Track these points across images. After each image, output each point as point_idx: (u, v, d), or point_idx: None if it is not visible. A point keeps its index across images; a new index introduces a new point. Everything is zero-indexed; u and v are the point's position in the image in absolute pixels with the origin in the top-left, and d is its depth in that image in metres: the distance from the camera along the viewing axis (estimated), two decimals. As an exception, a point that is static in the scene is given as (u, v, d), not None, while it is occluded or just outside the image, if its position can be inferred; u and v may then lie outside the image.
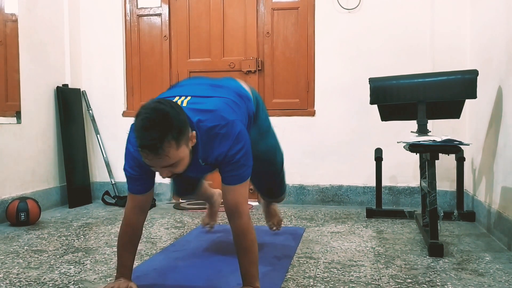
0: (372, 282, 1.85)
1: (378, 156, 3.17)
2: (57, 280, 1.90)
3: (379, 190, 3.18)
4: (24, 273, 1.99)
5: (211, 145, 1.60)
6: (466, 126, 3.27)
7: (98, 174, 3.98)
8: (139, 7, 3.92)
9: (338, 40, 3.58)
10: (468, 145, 2.45)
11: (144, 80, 3.94)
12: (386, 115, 2.85)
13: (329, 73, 3.60)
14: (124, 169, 1.70)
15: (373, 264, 2.10)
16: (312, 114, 3.65)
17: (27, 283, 1.87)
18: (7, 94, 3.21)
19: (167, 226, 2.90)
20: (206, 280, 1.86)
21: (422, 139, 2.40)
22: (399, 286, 1.81)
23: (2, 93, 3.17)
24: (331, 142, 3.61)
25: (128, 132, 1.70)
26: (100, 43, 3.94)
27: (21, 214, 2.92)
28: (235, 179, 1.63)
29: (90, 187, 3.86)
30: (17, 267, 2.08)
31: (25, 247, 2.42)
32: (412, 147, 2.39)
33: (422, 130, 2.61)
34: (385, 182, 3.38)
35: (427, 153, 2.34)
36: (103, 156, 3.89)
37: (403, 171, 3.51)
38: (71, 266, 2.08)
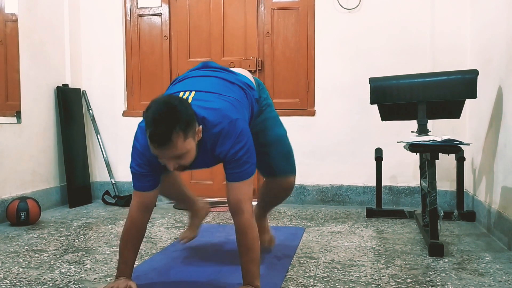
0: (372, 282, 1.85)
1: (378, 156, 3.17)
2: (57, 280, 1.90)
3: (379, 190, 3.18)
4: (24, 273, 1.99)
5: (215, 142, 1.65)
6: (466, 126, 3.27)
7: (98, 174, 3.98)
8: (139, 6, 3.92)
9: (338, 40, 3.58)
10: (468, 145, 2.45)
11: (144, 79, 3.94)
12: (386, 115, 2.85)
13: (329, 73, 3.60)
14: (131, 167, 1.74)
15: (373, 264, 2.10)
16: (312, 114, 3.65)
17: (27, 282, 1.87)
18: (7, 93, 3.21)
19: (167, 226, 2.90)
20: (206, 280, 1.86)
21: (422, 139, 2.40)
22: (399, 286, 1.81)
23: (2, 93, 3.17)
24: (331, 142, 3.61)
25: (136, 130, 1.78)
26: (100, 43, 3.94)
27: (21, 213, 2.92)
28: (238, 176, 1.65)
29: (90, 187, 3.86)
30: (17, 267, 2.08)
31: (25, 247, 2.42)
32: (412, 147, 2.39)
33: (422, 130, 2.61)
34: (385, 182, 3.38)
35: (427, 153, 2.34)
36: (103, 156, 3.89)
37: (403, 171, 3.51)
38: (71, 266, 2.08)
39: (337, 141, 3.60)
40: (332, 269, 2.01)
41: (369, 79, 2.77)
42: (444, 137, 2.35)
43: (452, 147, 2.30)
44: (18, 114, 3.27)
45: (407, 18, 3.46)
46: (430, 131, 2.65)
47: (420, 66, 3.31)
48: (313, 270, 2.00)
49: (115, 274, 1.75)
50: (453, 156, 3.07)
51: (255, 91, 1.98)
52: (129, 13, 3.94)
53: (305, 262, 2.12)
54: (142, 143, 1.71)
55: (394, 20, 3.48)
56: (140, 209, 1.73)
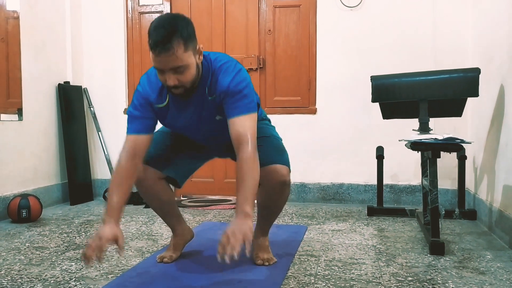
0: (373, 280, 1.85)
1: (380, 154, 3.16)
2: (58, 277, 1.90)
3: (380, 188, 3.18)
4: (26, 270, 1.99)
5: (215, 80, 1.72)
6: (468, 124, 3.26)
7: (100, 171, 3.99)
8: (140, 4, 3.92)
9: (340, 38, 3.57)
10: (470, 143, 2.45)
11: (146, 77, 3.93)
12: (387, 113, 2.85)
13: (331, 71, 3.59)
14: (128, 111, 1.80)
15: (374, 262, 2.10)
16: (314, 112, 3.64)
17: (28, 279, 1.87)
18: (8, 91, 3.21)
19: (168, 224, 2.90)
20: (207, 278, 1.86)
21: (424, 137, 2.39)
22: (400, 284, 1.81)
23: (4, 90, 3.17)
24: (333, 140, 3.61)
25: (141, 76, 1.84)
26: (101, 41, 3.94)
27: (22, 211, 2.92)
28: (240, 109, 1.69)
29: (91, 184, 3.87)
30: (18, 264, 2.08)
31: (27, 244, 2.42)
32: (414, 145, 2.39)
33: (424, 128, 2.61)
34: (386, 180, 3.38)
35: (429, 151, 2.34)
36: (105, 153, 3.90)
37: (405, 169, 3.51)
38: (73, 263, 2.08)
39: (338, 139, 3.60)
40: (333, 267, 2.01)
41: (370, 77, 2.77)
42: (446, 136, 2.34)
43: (454, 145, 2.30)
44: (19, 112, 3.27)
45: (409, 16, 3.45)
46: (432, 130, 2.64)
47: (422, 64, 3.30)
48: (314, 268, 2.00)
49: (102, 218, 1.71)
50: (454, 154, 3.07)
51: (257, 96, 1.98)
52: (130, 11, 3.94)
53: (306, 260, 2.12)
54: (145, 87, 1.78)
55: (396, 19, 3.47)
56: (129, 157, 1.74)
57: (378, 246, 2.37)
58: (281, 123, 3.68)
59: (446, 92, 2.57)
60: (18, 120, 3.26)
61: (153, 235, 2.60)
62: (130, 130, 1.78)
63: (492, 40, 2.76)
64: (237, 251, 1.45)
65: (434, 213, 2.28)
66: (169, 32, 1.55)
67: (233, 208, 1.60)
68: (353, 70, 3.55)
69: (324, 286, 1.78)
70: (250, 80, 1.78)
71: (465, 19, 3.28)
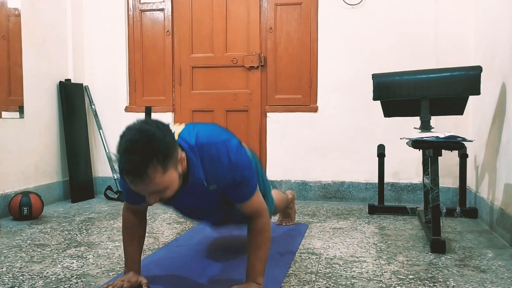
0: (374, 278, 1.85)
1: (381, 152, 3.16)
2: (59, 274, 1.90)
3: (381, 186, 3.17)
4: (27, 267, 2.00)
5: (214, 170, 1.53)
6: (469, 122, 3.26)
7: (101, 169, 3.99)
8: (142, 2, 3.92)
9: (341, 36, 3.57)
10: (471, 141, 2.45)
11: (147, 75, 3.94)
12: (389, 111, 2.84)
13: (332, 69, 3.59)
14: (120, 181, 1.70)
15: (375, 260, 2.10)
16: (315, 110, 3.64)
17: (29, 277, 1.88)
18: (10, 88, 3.21)
19: (169, 221, 2.90)
20: (209, 276, 1.87)
21: (425, 135, 2.39)
22: (401, 282, 1.81)
23: (5, 88, 3.17)
24: (334, 138, 3.61)
25: None
26: (102, 38, 3.93)
27: (24, 208, 2.93)
28: (247, 194, 1.60)
29: (92, 182, 3.87)
30: (20, 261, 2.08)
31: (28, 241, 2.42)
32: (415, 144, 2.38)
33: (425, 126, 2.61)
34: (387, 179, 3.38)
35: (430, 150, 2.33)
36: (106, 151, 3.90)
37: (406, 167, 3.50)
38: (74, 260, 2.09)
39: (339, 137, 3.60)
40: (334, 265, 2.01)
41: (372, 75, 2.76)
42: (447, 134, 2.34)
43: (455, 143, 2.29)
44: (20, 109, 3.27)
45: (410, 15, 3.44)
46: (433, 128, 2.64)
47: (424, 62, 3.29)
48: (315, 266, 2.00)
49: (123, 270, 1.75)
50: (455, 152, 3.06)
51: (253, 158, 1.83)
52: (131, 8, 3.93)
53: (307, 258, 2.12)
54: None
55: (397, 17, 3.47)
56: (132, 215, 1.74)
57: (379, 244, 2.37)
58: (282, 121, 3.70)
59: (447, 90, 2.57)
60: (19, 117, 3.26)
61: (154, 233, 2.60)
62: (126, 200, 1.72)
63: (494, 38, 2.75)
64: None
65: (435, 211, 2.28)
66: (144, 158, 1.30)
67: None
68: (354, 68, 3.54)
69: (325, 284, 1.78)
70: (242, 151, 1.58)
71: (467, 17, 3.27)
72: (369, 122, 3.52)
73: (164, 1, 3.87)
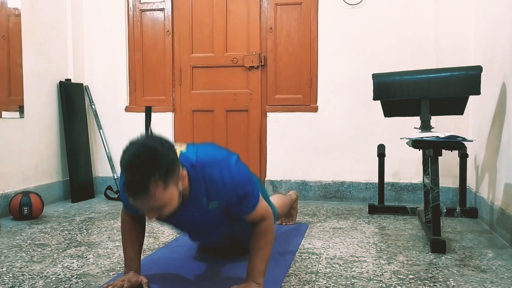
0: (374, 278, 1.85)
1: (381, 152, 3.16)
2: (59, 274, 1.90)
3: (381, 186, 3.17)
4: (27, 267, 2.00)
5: (207, 190, 1.54)
6: (470, 122, 3.25)
7: (101, 169, 3.99)
8: (142, 1, 3.92)
9: (341, 35, 3.57)
10: (472, 141, 2.45)
11: (147, 75, 3.94)
12: (389, 111, 2.84)
13: (332, 69, 3.59)
14: (121, 192, 1.71)
15: (375, 260, 2.10)
16: (315, 110, 3.64)
17: (30, 276, 1.88)
18: (10, 88, 3.21)
19: (169, 221, 2.90)
20: (209, 275, 1.87)
21: (425, 135, 2.39)
22: (401, 282, 1.81)
23: (5, 88, 3.17)
24: (334, 138, 3.61)
25: None
26: (102, 38, 3.93)
27: (24, 208, 2.93)
28: (251, 206, 1.61)
29: (92, 182, 3.87)
30: (20, 261, 2.08)
31: (28, 241, 2.42)
32: (415, 143, 2.38)
33: (425, 126, 2.61)
34: (387, 178, 3.38)
35: (430, 149, 2.33)
36: (106, 151, 3.90)
37: (406, 167, 3.50)
38: (74, 260, 2.09)
39: (339, 137, 3.60)
40: (334, 265, 2.01)
41: (372, 75, 2.76)
42: (447, 134, 2.34)
43: (455, 143, 2.30)
44: (21, 109, 3.27)
45: (410, 15, 3.45)
46: (433, 128, 2.64)
47: (424, 61, 3.29)
48: (315, 265, 2.00)
49: (123, 270, 1.75)
50: (456, 152, 3.06)
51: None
52: (131, 8, 3.93)
53: (307, 257, 2.12)
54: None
55: (397, 16, 3.47)
56: (130, 217, 1.74)
57: (379, 244, 2.37)
58: (282, 121, 3.70)
59: (447, 90, 2.57)
60: (20, 117, 3.26)
61: (154, 233, 2.60)
62: (126, 208, 1.72)
63: (494, 38, 2.75)
64: None
65: (435, 211, 2.28)
66: (146, 172, 1.32)
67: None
68: (354, 68, 3.54)
69: (325, 283, 1.78)
70: (241, 167, 1.59)
71: (467, 17, 3.26)
72: (369, 122, 3.52)
73: (164, 1, 3.87)
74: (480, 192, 2.95)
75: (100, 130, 3.91)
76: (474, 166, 3.14)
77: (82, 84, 3.88)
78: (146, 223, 1.83)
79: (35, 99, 3.39)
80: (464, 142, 2.31)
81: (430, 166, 2.37)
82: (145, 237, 1.82)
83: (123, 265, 1.76)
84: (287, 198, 2.60)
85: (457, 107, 2.70)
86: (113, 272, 1.92)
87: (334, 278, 1.85)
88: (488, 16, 2.91)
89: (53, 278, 1.85)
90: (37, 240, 2.45)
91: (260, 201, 1.64)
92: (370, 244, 2.36)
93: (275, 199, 2.45)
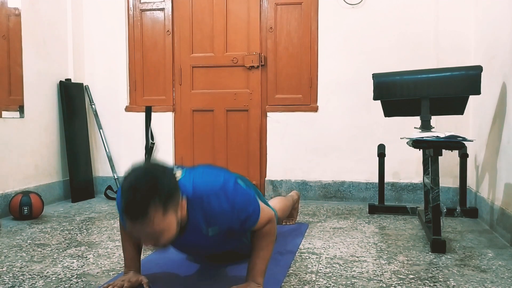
0: (374, 278, 1.84)
1: (381, 152, 3.16)
2: (60, 274, 1.90)
3: (381, 186, 3.17)
4: (27, 267, 2.00)
5: (207, 218, 1.53)
6: (470, 122, 3.25)
7: (101, 169, 3.99)
8: (142, 1, 3.92)
9: (341, 35, 3.57)
10: (472, 141, 2.44)
11: (147, 74, 3.94)
12: (389, 111, 2.84)
13: (333, 69, 3.59)
14: (120, 218, 1.72)
15: (375, 259, 2.09)
16: (315, 109, 3.64)
17: (30, 276, 1.88)
18: (10, 88, 3.21)
19: (169, 221, 2.90)
20: (209, 275, 1.87)
21: (426, 135, 2.39)
22: (401, 281, 1.81)
23: (5, 88, 3.17)
24: (334, 138, 3.61)
25: (119, 187, 1.63)
26: (103, 38, 3.93)
27: (24, 208, 2.93)
28: (254, 221, 1.60)
29: (92, 182, 3.87)
30: (20, 261, 2.08)
31: (28, 241, 2.42)
32: (416, 143, 2.38)
33: (426, 126, 2.61)
34: (387, 178, 3.37)
35: (431, 149, 2.33)
36: (106, 150, 3.90)
37: (406, 167, 3.50)
38: (74, 260, 2.09)
39: (339, 137, 3.60)
40: (334, 265, 2.01)
41: (372, 74, 2.76)
42: (447, 134, 2.34)
43: (456, 143, 2.29)
44: (21, 109, 3.27)
45: (410, 15, 3.44)
46: (433, 127, 2.64)
47: (424, 61, 3.29)
48: (315, 265, 2.00)
49: (123, 269, 1.75)
50: (456, 152, 3.06)
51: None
52: (132, 8, 3.93)
53: (307, 257, 2.12)
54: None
55: (397, 16, 3.47)
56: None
57: (379, 244, 2.37)
58: (282, 121, 3.70)
59: (448, 90, 2.56)
60: (20, 117, 3.26)
61: (154, 233, 2.60)
62: (122, 224, 1.71)
63: (495, 37, 2.75)
64: None
65: (436, 211, 2.28)
66: (146, 196, 1.31)
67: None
68: (354, 67, 3.54)
69: (325, 283, 1.78)
70: (239, 189, 1.57)
71: (467, 16, 3.26)
72: (369, 122, 3.52)
73: (164, 1, 3.86)
74: (480, 192, 2.95)
75: (100, 130, 3.91)
76: (474, 166, 3.14)
77: (82, 84, 3.88)
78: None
79: (35, 99, 3.39)
80: (464, 142, 2.31)
81: (430, 166, 2.37)
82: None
83: (123, 265, 1.77)
84: (288, 200, 2.60)
85: (457, 107, 2.70)
86: (113, 272, 1.92)
87: (334, 278, 1.84)
88: (488, 16, 2.91)
89: (53, 278, 1.85)
90: (37, 240, 2.45)
91: (262, 210, 1.63)
92: (370, 244, 2.36)
93: (276, 202, 2.46)
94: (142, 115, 3.85)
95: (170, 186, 1.39)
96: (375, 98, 2.76)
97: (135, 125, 3.87)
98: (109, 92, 3.94)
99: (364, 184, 3.58)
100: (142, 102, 3.93)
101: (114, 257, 2.14)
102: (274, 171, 3.72)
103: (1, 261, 2.09)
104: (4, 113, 3.14)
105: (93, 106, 3.92)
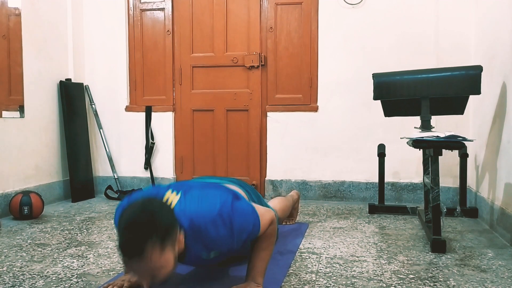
0: (375, 278, 1.85)
1: (381, 152, 3.16)
2: (60, 274, 1.90)
3: (381, 186, 3.17)
4: (28, 267, 2.00)
5: (205, 244, 1.52)
6: (470, 122, 3.25)
7: (101, 169, 3.99)
8: (142, 1, 3.92)
9: (341, 35, 3.57)
10: (472, 141, 2.45)
11: (147, 74, 3.94)
12: (389, 111, 2.84)
13: (333, 69, 3.59)
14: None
15: (375, 259, 2.10)
16: (315, 109, 3.64)
17: (30, 276, 1.88)
18: (10, 88, 3.21)
19: (169, 221, 2.91)
20: (209, 275, 1.87)
21: (426, 135, 2.39)
22: (401, 281, 1.81)
23: (6, 87, 3.17)
24: (334, 138, 3.61)
25: (115, 209, 1.66)
26: (103, 38, 3.93)
27: (24, 208, 2.93)
28: (256, 232, 1.59)
29: (93, 182, 3.87)
30: (20, 261, 2.08)
31: (28, 241, 2.43)
32: (416, 143, 2.38)
33: (426, 126, 2.61)
34: (388, 178, 3.38)
35: (431, 149, 2.33)
36: (106, 150, 3.90)
37: (406, 167, 3.50)
38: (74, 260, 2.09)
39: (339, 137, 3.60)
40: (334, 265, 2.01)
41: (372, 74, 2.76)
42: (448, 133, 2.34)
43: (456, 143, 2.29)
44: (21, 109, 3.27)
45: (411, 14, 3.44)
46: (434, 127, 2.64)
47: (424, 61, 3.29)
48: (315, 265, 2.00)
49: (123, 269, 1.75)
50: (456, 152, 3.07)
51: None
52: (132, 8, 3.93)
53: (307, 257, 2.12)
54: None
55: (397, 16, 3.47)
56: None
57: (379, 243, 2.37)
58: (282, 120, 3.70)
59: (448, 89, 2.56)
60: (20, 117, 3.26)
61: (154, 232, 2.60)
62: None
63: (495, 37, 2.75)
64: None
65: (436, 211, 2.28)
66: (143, 234, 1.28)
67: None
68: (354, 67, 3.54)
69: (326, 283, 1.78)
70: (237, 208, 1.54)
71: (468, 16, 3.26)
72: (370, 122, 3.52)
73: (164, 1, 3.86)
74: (480, 191, 2.95)
75: (100, 130, 3.91)
76: (474, 166, 3.14)
77: (82, 83, 3.88)
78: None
79: (35, 98, 3.39)
80: (464, 142, 2.31)
81: (431, 165, 2.37)
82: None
83: (124, 264, 1.76)
84: (288, 200, 2.60)
85: (457, 107, 2.70)
86: (113, 272, 1.92)
87: (334, 277, 1.85)
88: (489, 16, 2.91)
89: (54, 278, 1.85)
90: (37, 239, 2.45)
91: (262, 217, 1.61)
92: (370, 244, 2.36)
93: (276, 202, 2.45)
94: (142, 115, 3.85)
95: (168, 222, 1.36)
96: (375, 98, 2.76)
97: (135, 125, 3.87)
98: (109, 92, 3.94)
99: (364, 184, 3.58)
100: (142, 102, 3.93)
101: (114, 257, 2.14)
102: (274, 171, 3.72)
103: (1, 261, 2.09)
104: (4, 113, 3.14)
105: (93, 106, 3.92)
